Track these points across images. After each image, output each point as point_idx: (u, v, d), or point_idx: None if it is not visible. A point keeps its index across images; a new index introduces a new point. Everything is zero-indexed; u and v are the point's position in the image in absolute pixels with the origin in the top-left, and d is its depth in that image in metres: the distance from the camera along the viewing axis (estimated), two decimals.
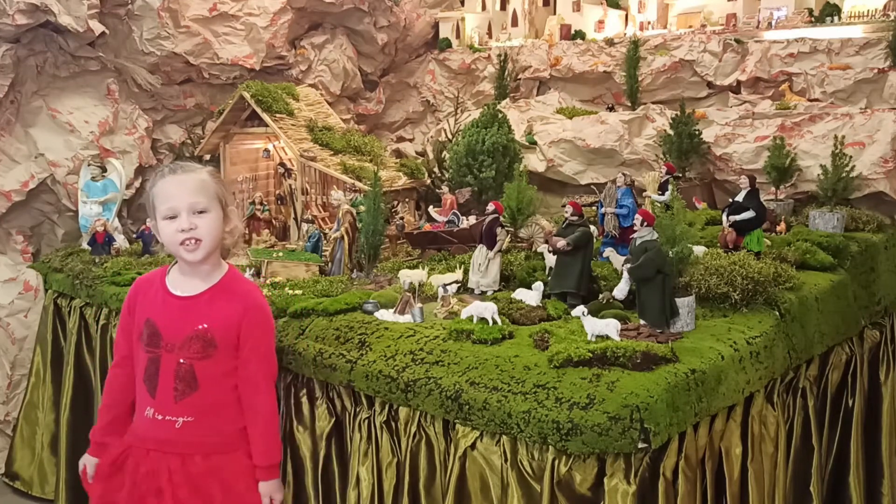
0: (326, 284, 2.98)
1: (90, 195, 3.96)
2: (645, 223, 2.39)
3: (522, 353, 2.22)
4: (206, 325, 2.22)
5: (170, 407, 2.24)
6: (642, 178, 3.76)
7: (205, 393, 2.24)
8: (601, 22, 5.10)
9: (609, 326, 2.23)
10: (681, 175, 3.90)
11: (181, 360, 2.22)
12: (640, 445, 1.91)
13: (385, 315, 2.61)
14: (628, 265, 2.41)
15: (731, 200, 3.02)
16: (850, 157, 3.51)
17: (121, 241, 3.78)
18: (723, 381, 2.18)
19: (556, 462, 1.99)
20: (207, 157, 4.18)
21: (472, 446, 2.14)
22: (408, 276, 2.72)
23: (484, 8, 5.58)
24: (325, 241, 3.46)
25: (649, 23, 4.99)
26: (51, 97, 4.10)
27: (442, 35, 5.49)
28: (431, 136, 4.96)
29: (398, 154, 5.04)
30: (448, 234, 3.47)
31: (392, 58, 5.44)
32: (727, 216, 2.94)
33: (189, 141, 4.58)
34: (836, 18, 4.19)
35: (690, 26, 4.75)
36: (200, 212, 2.20)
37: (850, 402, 2.98)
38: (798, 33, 4.24)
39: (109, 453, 2.34)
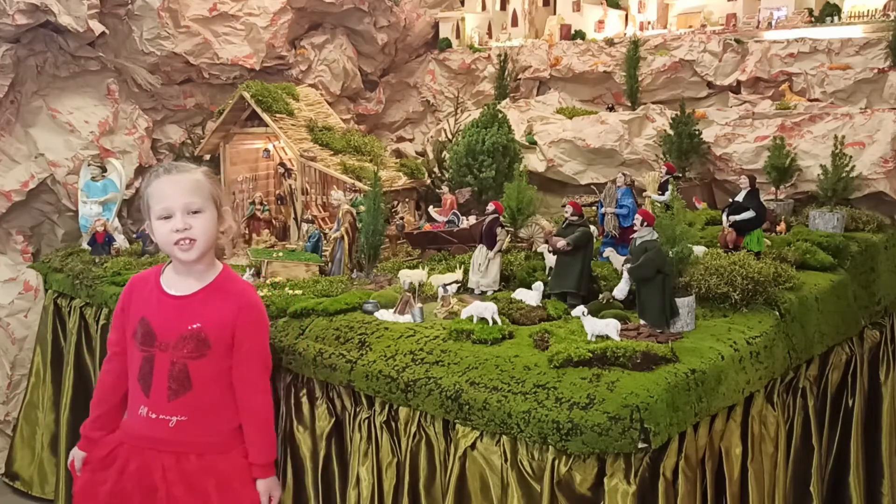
0: (326, 284, 2.97)
1: (90, 195, 3.96)
2: (645, 223, 2.39)
3: (522, 353, 2.22)
4: (199, 325, 2.23)
5: (163, 406, 2.24)
6: (642, 178, 3.76)
7: (198, 392, 2.24)
8: (601, 22, 5.10)
9: (609, 326, 2.23)
10: (681, 175, 3.89)
11: (175, 360, 2.22)
12: (640, 445, 1.91)
13: (385, 315, 2.61)
14: (628, 265, 2.41)
15: (731, 200, 3.02)
16: (850, 157, 3.51)
17: (121, 241, 3.79)
18: (723, 381, 2.18)
19: (556, 462, 1.99)
20: (207, 157, 4.17)
21: (472, 446, 2.14)
22: (408, 276, 2.72)
23: (484, 8, 5.58)
24: (325, 241, 3.45)
25: (649, 23, 4.99)
26: (51, 97, 4.09)
27: (442, 35, 5.48)
28: (431, 136, 4.96)
29: (398, 154, 5.03)
30: (448, 234, 3.47)
31: (392, 58, 5.44)
32: (727, 216, 2.94)
33: (189, 141, 4.58)
34: (836, 18, 4.19)
35: (690, 26, 4.74)
36: (195, 212, 2.21)
37: (850, 402, 2.98)
38: (798, 33, 4.23)
39: (99, 448, 2.34)
